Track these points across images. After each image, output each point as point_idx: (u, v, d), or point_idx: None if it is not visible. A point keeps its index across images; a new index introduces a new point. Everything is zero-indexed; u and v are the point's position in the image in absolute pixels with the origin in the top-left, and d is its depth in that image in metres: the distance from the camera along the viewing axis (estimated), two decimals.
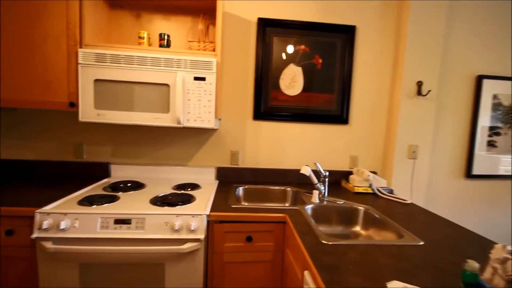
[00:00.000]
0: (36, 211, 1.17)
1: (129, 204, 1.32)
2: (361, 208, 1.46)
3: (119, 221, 1.20)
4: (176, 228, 1.19)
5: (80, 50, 1.41)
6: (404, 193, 1.94)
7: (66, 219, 1.17)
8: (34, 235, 1.14)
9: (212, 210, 1.31)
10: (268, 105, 1.90)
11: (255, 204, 1.77)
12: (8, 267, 1.23)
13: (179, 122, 1.47)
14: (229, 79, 1.87)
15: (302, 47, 1.89)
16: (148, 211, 1.24)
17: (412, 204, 1.58)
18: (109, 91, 1.45)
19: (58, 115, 1.80)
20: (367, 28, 1.92)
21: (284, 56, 1.88)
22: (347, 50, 1.91)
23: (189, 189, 1.61)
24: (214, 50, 1.64)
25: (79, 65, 1.42)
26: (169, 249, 1.19)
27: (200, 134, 1.88)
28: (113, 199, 1.37)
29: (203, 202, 1.41)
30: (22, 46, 1.44)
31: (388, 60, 1.96)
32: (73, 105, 1.47)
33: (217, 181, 1.86)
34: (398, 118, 1.89)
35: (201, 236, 1.23)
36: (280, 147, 1.95)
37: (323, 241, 1.00)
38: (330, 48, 1.90)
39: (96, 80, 1.44)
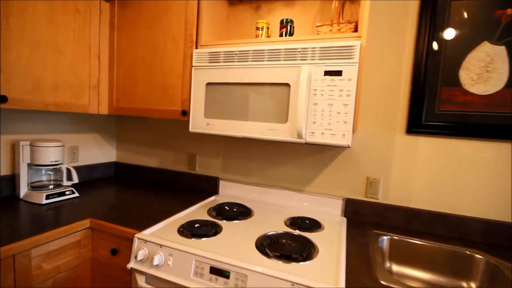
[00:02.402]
0: (136, 235, 1.00)
1: (231, 242, 0.99)
2: None
3: (215, 271, 0.87)
4: None
5: (195, 51, 1.24)
6: None
7: (160, 253, 0.95)
8: (130, 265, 0.97)
9: (348, 283, 0.80)
10: (435, 111, 1.21)
11: (410, 269, 1.11)
12: (107, 285, 1.14)
13: (300, 136, 1.05)
14: (366, 72, 1.31)
15: (509, 11, 1.11)
16: (252, 263, 0.86)
17: None
18: (220, 96, 1.20)
19: (178, 122, 1.76)
20: None
21: (470, 29, 1.15)
22: None
23: (307, 229, 1.15)
24: (355, 30, 1.14)
25: (193, 68, 1.25)
26: None
27: (323, 151, 1.40)
28: (215, 230, 1.09)
29: (331, 260, 0.91)
30: (145, 52, 1.42)
31: None
32: (185, 113, 1.32)
33: (345, 219, 1.32)
34: None
35: None
36: (452, 178, 1.20)
37: None
38: None
39: (208, 84, 1.22)
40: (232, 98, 1.18)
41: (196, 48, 1.30)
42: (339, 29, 1.18)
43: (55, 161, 1.36)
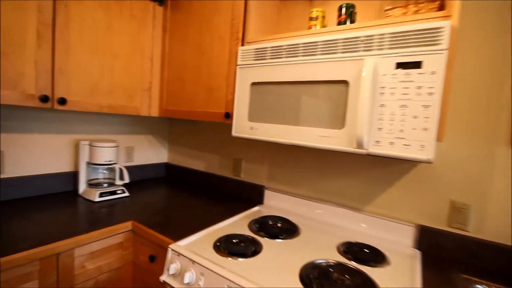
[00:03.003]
0: (170, 246, 0.94)
1: (270, 268, 0.84)
2: None
3: None
4: None
5: (240, 48, 1.13)
6: None
7: (192, 270, 0.85)
8: (162, 278, 0.91)
9: None
10: None
11: None
12: None
13: (360, 145, 0.84)
14: (457, 63, 1.01)
15: None
16: None
17: None
18: (265, 97, 1.07)
19: (224, 126, 1.70)
20: None
21: None
22: None
23: (366, 261, 0.93)
24: (439, 8, 0.88)
25: (237, 66, 1.15)
26: None
27: (391, 164, 1.14)
28: (254, 248, 0.95)
29: None
30: (193, 53, 1.38)
31: None
32: (229, 116, 1.22)
33: (419, 253, 1.03)
34: None
35: None
36: None
37: None
38: None
39: (253, 84, 1.10)
40: (279, 100, 1.03)
41: (242, 45, 1.19)
42: (416, 11, 0.93)
43: (109, 161, 1.42)
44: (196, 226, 1.11)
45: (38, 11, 1.04)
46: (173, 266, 0.89)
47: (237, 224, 1.18)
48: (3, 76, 0.98)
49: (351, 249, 1.00)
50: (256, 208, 1.40)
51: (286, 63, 1.01)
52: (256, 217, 1.27)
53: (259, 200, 1.50)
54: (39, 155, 1.35)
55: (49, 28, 1.08)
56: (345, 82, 0.89)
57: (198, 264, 0.85)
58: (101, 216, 1.16)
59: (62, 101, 1.13)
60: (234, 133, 1.17)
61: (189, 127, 1.89)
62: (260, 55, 1.08)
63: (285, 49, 1.02)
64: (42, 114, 1.34)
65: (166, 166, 2.01)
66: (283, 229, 1.15)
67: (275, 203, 1.44)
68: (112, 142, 1.43)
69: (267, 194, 1.47)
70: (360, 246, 1.04)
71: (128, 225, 1.12)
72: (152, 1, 1.45)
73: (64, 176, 1.44)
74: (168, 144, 2.03)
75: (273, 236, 1.08)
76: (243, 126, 1.14)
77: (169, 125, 2.02)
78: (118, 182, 1.48)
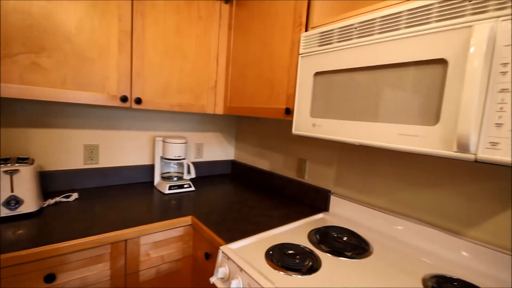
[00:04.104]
0: (221, 247, 0.90)
1: None
2: None
3: None
4: None
5: (303, 34, 1.00)
6: None
7: (240, 278, 0.79)
8: (212, 280, 0.87)
9: None
10: None
11: None
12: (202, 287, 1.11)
13: (464, 148, 0.60)
14: None
15: None
16: None
17: None
18: (331, 89, 0.91)
19: (287, 123, 1.59)
20: None
21: None
22: None
23: None
24: None
25: (299, 56, 1.02)
26: None
27: (502, 172, 0.81)
28: (311, 264, 0.82)
29: None
30: (255, 48, 1.32)
31: None
32: (289, 112, 1.11)
33: None
34: None
35: None
36: None
37: None
38: None
39: (317, 74, 0.96)
40: (348, 91, 0.86)
41: (306, 30, 1.06)
42: None
43: (179, 156, 1.51)
44: (251, 229, 1.05)
45: (119, 20, 1.16)
46: (221, 270, 0.84)
47: (295, 231, 1.06)
48: (92, 80, 1.13)
49: (443, 284, 0.75)
50: (319, 216, 1.25)
51: (358, 44, 0.83)
52: (319, 226, 1.12)
53: (323, 207, 1.34)
54: (125, 149, 1.55)
55: (128, 36, 1.20)
56: (441, 62, 0.65)
57: (246, 273, 0.78)
58: (167, 208, 1.23)
59: (138, 100, 1.25)
60: (294, 130, 1.05)
61: (254, 124, 1.86)
62: (325, 39, 0.93)
63: (356, 28, 0.84)
64: (128, 113, 1.53)
65: (233, 163, 2.04)
66: (350, 244, 0.97)
67: (342, 212, 1.24)
68: (182, 139, 1.51)
69: (333, 200, 1.29)
70: (458, 283, 0.77)
71: (188, 219, 1.15)
72: (219, 0, 1.46)
73: (144, 168, 1.61)
74: (235, 142, 2.06)
75: (336, 251, 0.91)
76: (304, 123, 1.01)
77: (236, 123, 2.04)
78: (186, 176, 1.56)
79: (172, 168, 1.63)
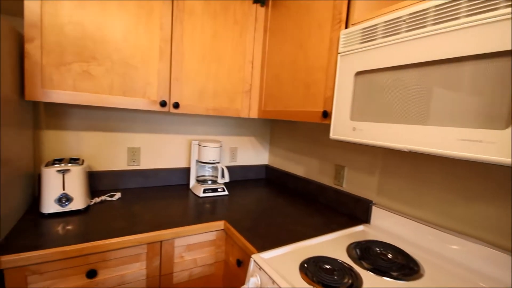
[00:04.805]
0: (252, 256, 0.86)
1: None
2: None
3: None
4: None
5: (342, 32, 0.94)
6: None
7: None
8: (244, 287, 0.84)
9: None
10: None
11: None
12: None
13: None
14: None
15: None
16: None
17: None
18: (374, 89, 0.83)
19: (324, 127, 1.52)
20: None
21: None
22: None
23: None
24: None
25: (338, 55, 0.96)
26: None
27: None
28: (351, 282, 0.74)
29: None
30: (290, 49, 1.28)
31: None
32: (327, 115, 1.04)
33: None
34: None
35: None
36: None
37: None
38: None
39: (358, 74, 0.89)
40: (393, 90, 0.77)
41: (347, 27, 0.99)
42: None
43: (213, 160, 1.53)
44: (285, 238, 1.00)
45: (161, 29, 1.21)
46: (253, 280, 0.81)
47: (333, 243, 0.98)
48: (134, 86, 1.19)
49: None
50: (359, 228, 1.15)
51: (407, 39, 0.74)
52: (359, 239, 1.03)
53: (364, 218, 1.23)
54: (163, 151, 1.61)
55: (168, 43, 1.24)
56: (510, 54, 0.55)
57: (278, 286, 0.73)
58: (201, 211, 1.24)
59: (176, 105, 1.29)
60: (333, 135, 0.98)
61: (289, 128, 1.81)
62: (368, 35, 0.85)
63: (405, 20, 0.75)
64: (166, 118, 1.59)
65: (266, 168, 2.01)
66: (396, 263, 0.86)
67: (386, 225, 1.13)
68: (216, 143, 1.52)
69: (376, 211, 1.18)
70: None
71: (220, 224, 1.14)
72: (255, 3, 1.46)
73: (180, 171, 1.66)
74: (269, 146, 2.03)
75: (379, 270, 0.82)
76: (343, 127, 0.94)
77: (270, 127, 2.01)
78: (220, 180, 1.56)
79: (207, 172, 1.65)
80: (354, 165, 1.32)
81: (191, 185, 1.60)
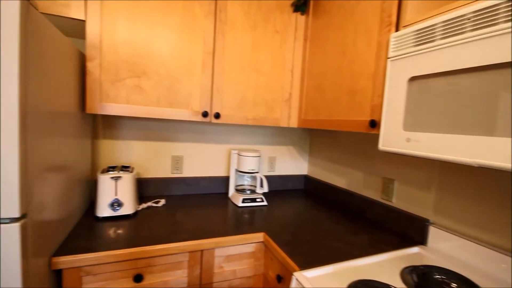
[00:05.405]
0: (294, 273, 0.82)
1: None
2: None
3: None
4: None
5: (393, 35, 0.87)
6: None
7: None
8: None
9: None
10: None
11: None
12: None
13: None
14: None
15: None
16: None
17: None
18: (432, 96, 0.75)
19: (369, 137, 1.42)
20: None
21: None
22: None
23: None
24: None
25: (388, 60, 0.89)
26: None
27: None
28: None
29: None
30: (333, 56, 1.23)
31: None
32: (374, 124, 0.97)
33: None
34: None
35: None
36: None
37: None
38: None
39: (412, 79, 0.81)
40: (454, 97, 0.68)
41: (397, 30, 0.92)
42: None
43: (252, 170, 1.52)
44: (328, 256, 0.94)
45: (204, 43, 1.26)
46: None
47: (383, 266, 0.89)
48: (179, 98, 1.25)
49: None
50: (414, 250, 1.03)
51: (474, 39, 0.65)
52: (414, 263, 0.92)
53: (419, 239, 1.10)
54: (204, 160, 1.65)
55: (210, 56, 1.29)
56: None
57: None
58: (240, 221, 1.23)
59: (217, 115, 1.32)
60: (382, 146, 0.90)
61: (330, 138, 1.73)
62: (424, 37, 0.78)
63: (469, 19, 0.66)
64: (207, 127, 1.64)
65: (306, 178, 1.94)
66: None
67: (447, 249, 0.99)
68: (255, 152, 1.52)
69: (434, 232, 1.04)
70: None
71: (260, 236, 1.12)
72: (295, 11, 1.44)
73: (220, 180, 1.69)
74: (309, 156, 1.96)
75: None
76: (395, 137, 0.86)
77: (309, 136, 1.96)
78: (259, 190, 1.55)
79: (246, 181, 1.65)
80: (405, 179, 1.20)
81: (230, 194, 1.61)
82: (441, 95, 0.72)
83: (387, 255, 0.96)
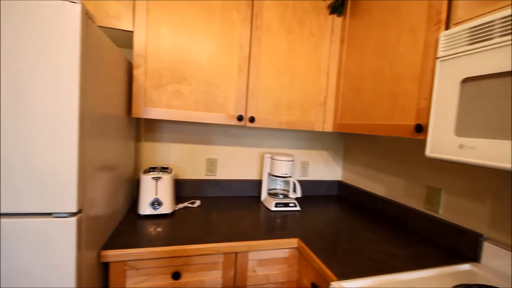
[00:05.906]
0: (332, 283, 0.79)
1: None
2: None
3: None
4: None
5: (442, 34, 0.81)
6: None
7: None
8: None
9: None
10: None
11: None
12: None
13: None
14: None
15: None
16: None
17: None
18: (489, 98, 0.68)
19: (412, 142, 1.33)
20: None
21: None
22: None
23: None
24: None
25: (437, 60, 0.83)
26: None
27: None
28: None
29: None
30: (373, 58, 1.18)
31: None
32: (421, 129, 0.91)
33: None
34: None
35: None
36: None
37: None
38: None
39: (466, 81, 0.74)
40: None
41: (447, 28, 0.85)
42: None
43: (285, 174, 1.51)
44: (368, 267, 0.89)
45: (240, 48, 1.29)
46: None
47: (430, 283, 0.82)
48: (215, 102, 1.28)
49: None
50: (465, 267, 0.94)
51: None
52: (466, 281, 0.83)
53: (470, 255, 1.00)
54: (237, 163, 1.68)
55: (246, 61, 1.31)
56: None
57: None
58: (273, 226, 1.22)
59: (252, 119, 1.33)
60: (430, 152, 0.84)
61: (366, 143, 1.66)
62: (480, 35, 0.71)
63: None
64: (241, 131, 1.66)
65: (339, 184, 1.88)
66: None
67: (503, 268, 0.89)
68: (289, 156, 1.51)
69: (488, 248, 0.94)
70: None
71: (294, 242, 1.10)
72: (331, 14, 1.42)
73: (252, 183, 1.70)
74: (343, 162, 1.90)
75: None
76: (445, 143, 0.79)
77: (344, 141, 1.89)
78: (292, 195, 1.53)
79: (279, 185, 1.64)
80: (454, 189, 1.11)
81: (262, 198, 1.61)
82: (499, 97, 0.66)
83: (434, 271, 0.89)
